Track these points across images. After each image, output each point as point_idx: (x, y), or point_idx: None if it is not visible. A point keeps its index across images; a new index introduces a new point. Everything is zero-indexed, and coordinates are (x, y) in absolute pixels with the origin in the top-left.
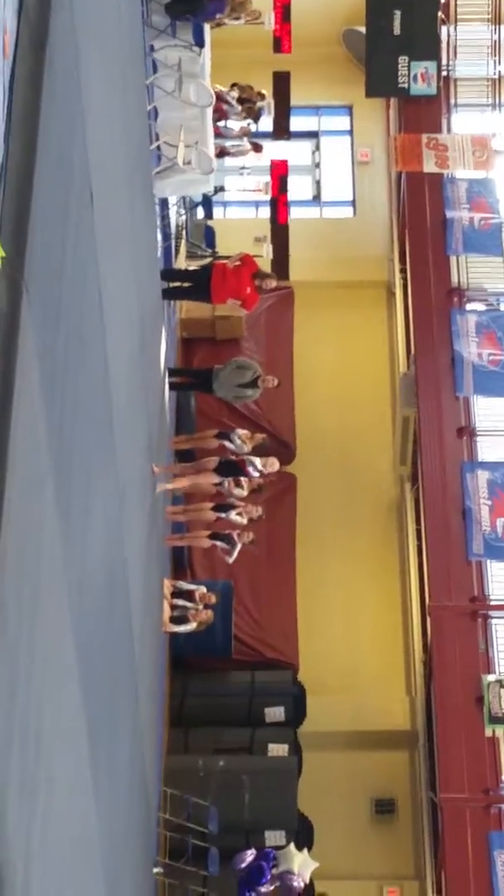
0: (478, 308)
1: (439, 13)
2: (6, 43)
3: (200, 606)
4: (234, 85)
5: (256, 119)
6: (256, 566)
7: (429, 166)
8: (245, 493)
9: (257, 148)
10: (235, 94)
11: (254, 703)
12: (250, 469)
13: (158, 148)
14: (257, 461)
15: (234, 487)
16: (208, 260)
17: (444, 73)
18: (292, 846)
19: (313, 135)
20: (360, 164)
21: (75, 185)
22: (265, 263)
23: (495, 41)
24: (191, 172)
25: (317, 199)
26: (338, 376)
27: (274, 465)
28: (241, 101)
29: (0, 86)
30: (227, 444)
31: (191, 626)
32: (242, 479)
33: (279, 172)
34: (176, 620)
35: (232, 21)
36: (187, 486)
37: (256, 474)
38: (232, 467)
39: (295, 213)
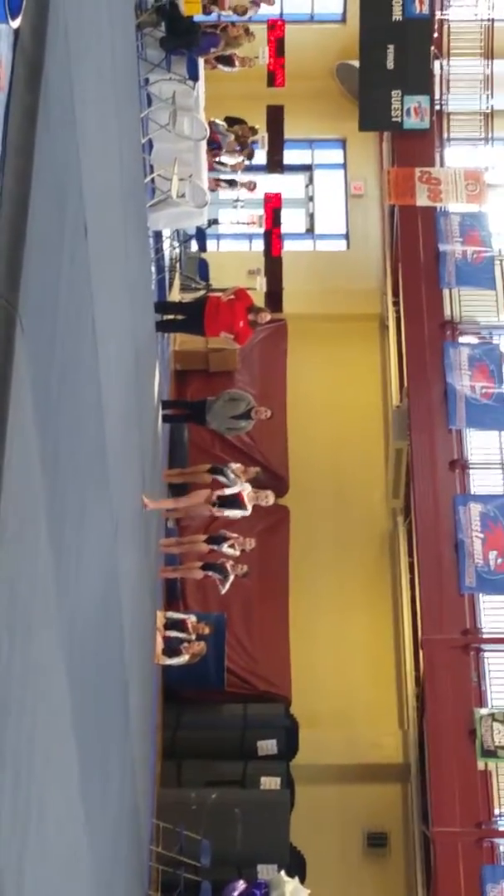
0: (470, 341)
1: (432, 48)
2: (1, 75)
3: (193, 637)
4: (227, 118)
5: (250, 157)
6: (249, 599)
7: (422, 200)
8: (237, 553)
9: (251, 187)
10: (224, 125)
11: (246, 735)
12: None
13: (153, 181)
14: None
15: (227, 547)
16: (202, 293)
17: (436, 108)
18: (283, 873)
19: (307, 168)
20: (354, 197)
21: (70, 217)
22: (259, 296)
23: (487, 76)
24: (184, 205)
25: (310, 232)
26: (331, 409)
27: (269, 498)
28: (237, 138)
29: None
30: (220, 478)
31: (184, 659)
32: (233, 538)
33: (273, 205)
34: (169, 653)
35: (226, 68)
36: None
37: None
38: (231, 502)
39: (288, 246)
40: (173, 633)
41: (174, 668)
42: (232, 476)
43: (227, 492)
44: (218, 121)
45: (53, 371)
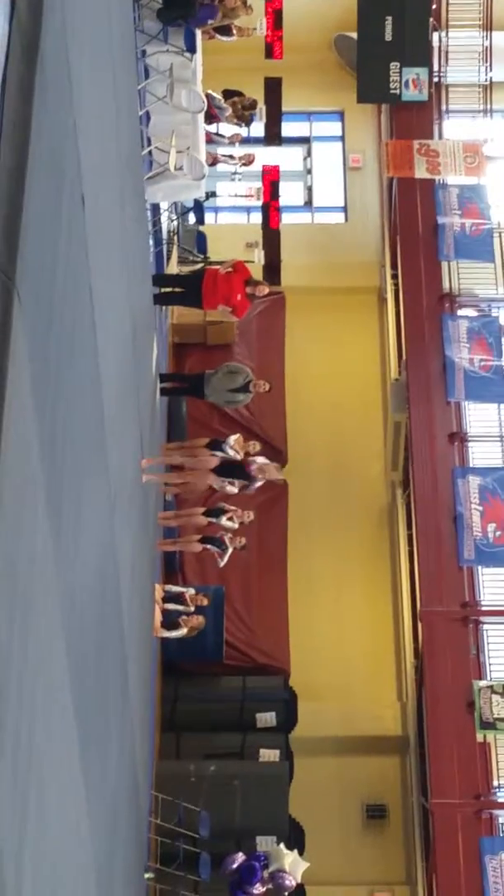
0: (469, 314)
1: (430, 19)
2: None
3: (192, 608)
4: (224, 91)
5: (248, 123)
6: (248, 572)
7: (420, 172)
8: (236, 490)
9: (249, 160)
10: (221, 99)
11: (245, 708)
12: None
13: (150, 153)
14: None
15: (228, 486)
16: (200, 265)
17: (435, 80)
18: (282, 845)
19: (305, 140)
20: (352, 169)
21: (67, 189)
22: (257, 269)
23: (486, 47)
24: (182, 178)
25: (308, 204)
26: (329, 382)
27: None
28: (235, 111)
29: None
30: (218, 453)
31: (182, 632)
32: (232, 510)
33: (271, 178)
34: (167, 625)
35: (224, 37)
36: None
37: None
38: (233, 470)
39: (286, 219)
40: (172, 606)
41: (173, 641)
42: (231, 450)
43: (230, 452)
44: (214, 94)
45: (51, 343)
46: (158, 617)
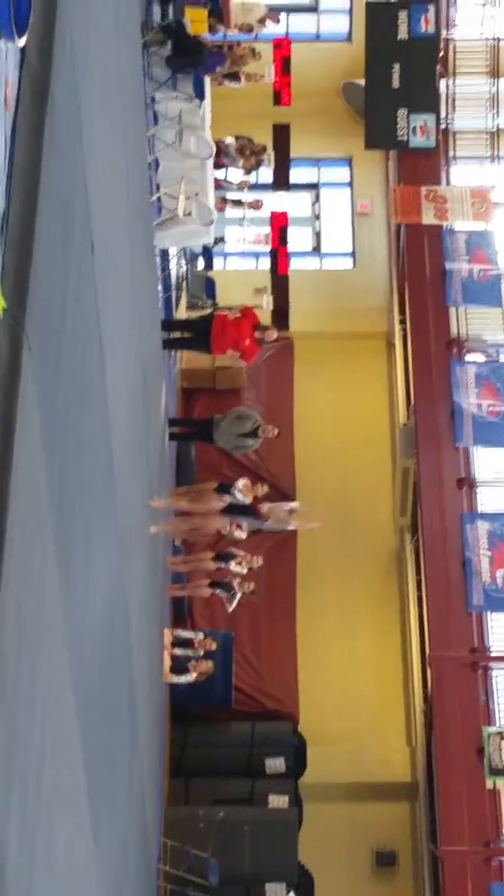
0: (477, 359)
1: (438, 66)
2: (8, 94)
3: (201, 653)
4: (237, 138)
5: (256, 167)
6: (257, 616)
7: (428, 218)
8: (245, 535)
9: (257, 205)
10: (234, 141)
11: (254, 753)
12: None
13: (159, 199)
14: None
15: (236, 529)
16: (209, 311)
17: (442, 126)
18: (292, 894)
19: (313, 186)
20: (360, 215)
21: (76, 235)
22: (265, 314)
23: (493, 94)
24: (191, 224)
25: (316, 250)
26: (338, 427)
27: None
28: (240, 151)
29: (2, 136)
30: (227, 497)
31: (191, 677)
32: (240, 555)
33: (279, 224)
34: (176, 670)
35: (232, 83)
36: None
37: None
38: (241, 510)
39: (295, 265)
40: (180, 651)
41: (181, 686)
42: (239, 495)
43: (238, 497)
44: (227, 139)
45: (60, 389)
46: (168, 662)
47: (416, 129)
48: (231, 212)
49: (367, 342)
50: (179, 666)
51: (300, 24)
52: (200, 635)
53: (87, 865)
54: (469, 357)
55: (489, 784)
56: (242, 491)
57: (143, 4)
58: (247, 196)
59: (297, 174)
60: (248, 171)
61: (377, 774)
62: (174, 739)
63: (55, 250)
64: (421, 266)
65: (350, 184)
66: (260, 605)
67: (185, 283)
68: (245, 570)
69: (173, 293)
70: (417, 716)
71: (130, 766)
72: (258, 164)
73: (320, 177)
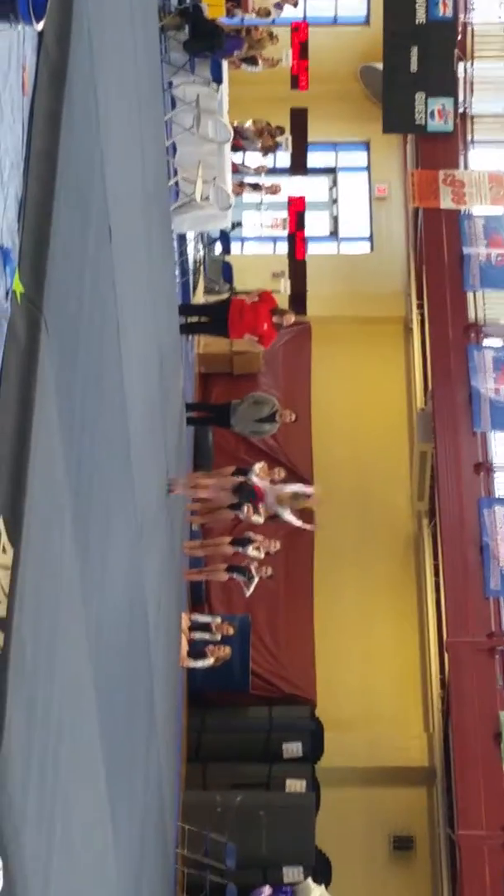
0: (495, 344)
1: (456, 50)
2: (25, 80)
3: (218, 637)
4: (254, 122)
5: (273, 150)
6: (274, 601)
7: (446, 202)
8: (262, 519)
9: (275, 189)
10: (251, 125)
11: (271, 738)
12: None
13: (177, 184)
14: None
15: (252, 514)
16: (226, 295)
17: (460, 110)
18: (310, 880)
19: (331, 171)
20: (378, 200)
21: (94, 220)
22: (283, 299)
23: None
24: (209, 208)
25: (334, 234)
26: (355, 412)
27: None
28: (258, 132)
29: (19, 121)
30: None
31: (209, 662)
32: (258, 540)
33: (297, 208)
34: (194, 655)
35: (250, 67)
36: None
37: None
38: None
39: (312, 249)
40: (198, 635)
41: (199, 671)
42: (256, 478)
43: (255, 480)
44: (245, 123)
45: (78, 373)
46: (185, 646)
47: (434, 112)
48: (249, 196)
49: (385, 327)
50: (197, 651)
51: (318, 7)
52: (218, 620)
53: (105, 850)
54: (486, 342)
55: None
56: (260, 474)
57: None
58: (264, 180)
59: (314, 158)
60: (265, 152)
61: (394, 759)
62: (192, 724)
63: (72, 235)
64: (438, 250)
65: (368, 168)
66: (277, 590)
67: (202, 268)
68: (263, 555)
69: (191, 278)
70: (434, 701)
71: (148, 751)
72: (276, 146)
73: (338, 161)
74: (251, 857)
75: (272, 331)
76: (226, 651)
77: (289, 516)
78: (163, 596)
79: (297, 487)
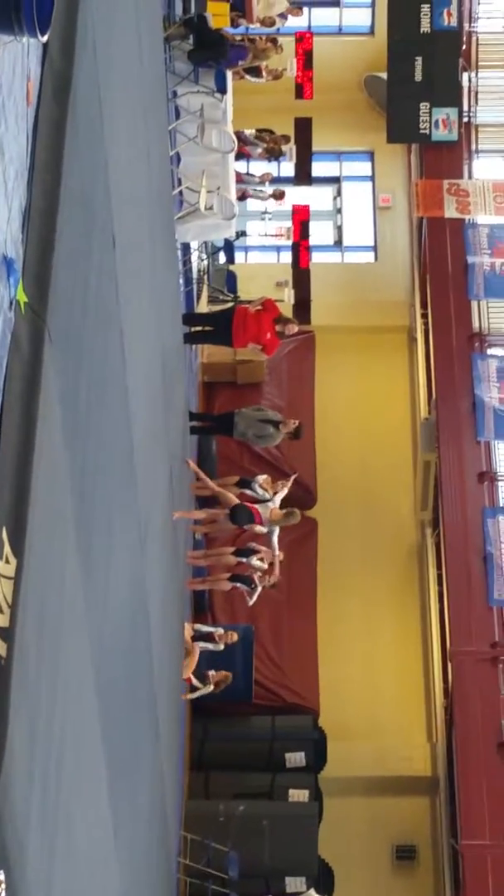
0: (499, 353)
1: (460, 60)
2: (30, 89)
3: (221, 647)
4: (259, 131)
5: (277, 157)
6: (277, 610)
7: (450, 212)
8: (265, 530)
9: (279, 196)
10: (254, 134)
11: (274, 747)
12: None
13: (180, 193)
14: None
15: (255, 560)
16: (230, 304)
17: (465, 119)
18: (313, 891)
19: (335, 180)
20: (382, 209)
21: (98, 229)
22: (287, 308)
23: None
24: (212, 217)
25: (338, 244)
26: (359, 421)
27: (294, 517)
28: (260, 137)
29: (24, 132)
30: (247, 492)
31: (208, 689)
32: (262, 551)
33: (301, 218)
34: (192, 685)
35: (253, 79)
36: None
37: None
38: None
39: (316, 258)
40: (202, 645)
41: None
42: (260, 490)
43: (258, 492)
44: (247, 131)
45: (81, 382)
46: (194, 662)
47: (439, 122)
48: (253, 205)
49: (389, 336)
50: (197, 675)
51: (322, 17)
52: (221, 630)
53: (107, 857)
54: (491, 351)
55: None
56: (262, 486)
57: None
58: (269, 189)
59: (318, 168)
60: (269, 157)
61: (397, 769)
62: (194, 733)
63: (76, 245)
64: (443, 260)
65: (372, 177)
66: (281, 600)
67: (206, 277)
68: (266, 566)
69: (194, 287)
70: (438, 710)
71: (151, 760)
72: (280, 152)
73: (342, 170)
74: (254, 867)
75: (276, 340)
76: (226, 675)
77: (275, 539)
78: (165, 605)
79: (285, 491)
